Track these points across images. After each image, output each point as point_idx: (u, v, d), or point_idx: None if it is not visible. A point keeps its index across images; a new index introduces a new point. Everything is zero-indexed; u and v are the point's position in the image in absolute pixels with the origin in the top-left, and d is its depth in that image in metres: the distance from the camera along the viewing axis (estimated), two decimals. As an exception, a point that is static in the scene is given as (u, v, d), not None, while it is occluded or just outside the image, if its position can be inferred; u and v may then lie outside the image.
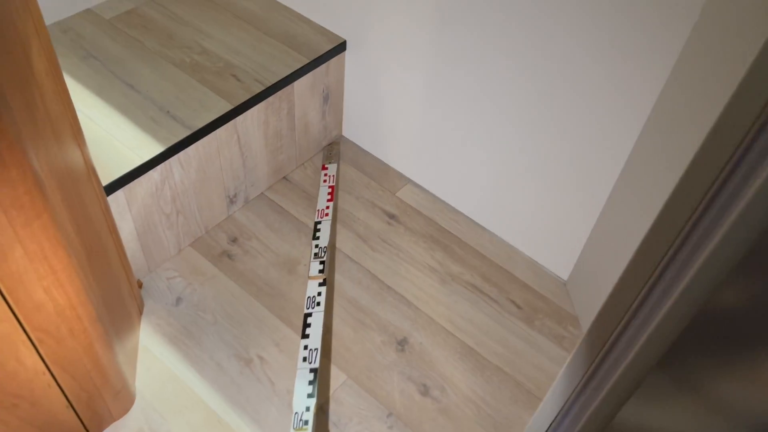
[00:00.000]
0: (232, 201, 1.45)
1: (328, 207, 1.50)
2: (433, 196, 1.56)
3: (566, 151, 1.22)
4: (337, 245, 1.44)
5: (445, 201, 1.55)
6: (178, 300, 1.32)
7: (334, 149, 1.65)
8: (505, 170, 1.36)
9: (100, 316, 0.97)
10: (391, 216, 1.51)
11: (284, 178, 1.57)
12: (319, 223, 1.46)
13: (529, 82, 1.19)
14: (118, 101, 1.27)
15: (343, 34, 1.47)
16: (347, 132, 1.67)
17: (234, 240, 1.43)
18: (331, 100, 1.56)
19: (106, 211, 1.07)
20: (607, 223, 1.23)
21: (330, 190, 1.54)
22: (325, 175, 1.58)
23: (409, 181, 1.59)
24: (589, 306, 1.31)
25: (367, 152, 1.65)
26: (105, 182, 1.13)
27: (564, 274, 1.41)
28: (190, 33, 1.43)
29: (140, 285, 1.33)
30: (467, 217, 1.52)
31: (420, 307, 1.35)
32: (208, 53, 1.39)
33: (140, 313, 1.28)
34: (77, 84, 1.29)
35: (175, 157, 1.23)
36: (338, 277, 1.38)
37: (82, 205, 0.93)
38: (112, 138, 1.20)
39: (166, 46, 1.40)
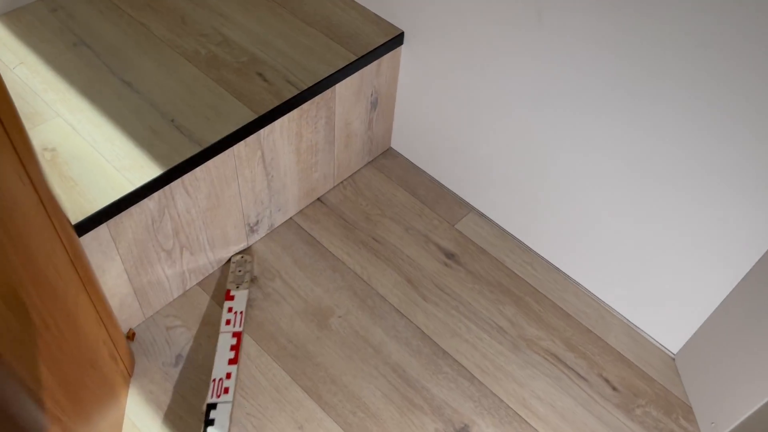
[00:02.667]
0: (252, 230, 1.16)
1: (229, 375, 0.97)
2: (502, 230, 1.25)
3: (706, 206, 0.90)
4: (380, 292, 1.14)
5: (516, 237, 1.24)
6: (178, 358, 1.04)
7: (245, 263, 1.13)
8: (602, 206, 1.04)
9: (53, 414, 0.69)
10: (450, 255, 1.21)
11: (318, 199, 1.27)
12: (213, 407, 0.94)
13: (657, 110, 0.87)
14: (110, 104, 0.98)
15: (400, 23, 1.15)
16: (397, 145, 1.36)
17: (253, 279, 1.14)
18: (381, 106, 1.25)
19: (76, 256, 0.79)
20: (745, 295, 0.90)
21: (235, 340, 1.02)
22: (230, 310, 1.06)
23: (471, 209, 1.28)
24: (706, 392, 1.00)
25: (421, 170, 1.34)
26: (83, 215, 0.85)
27: (673, 347, 1.09)
28: (208, 16, 1.14)
29: (132, 336, 1.05)
30: (545, 261, 1.21)
31: (485, 383, 1.05)
32: (229, 44, 1.10)
33: (129, 375, 1.00)
34: (62, 80, 1.01)
35: (179, 180, 0.94)
36: (380, 334, 1.09)
37: (21, 250, 0.65)
38: (98, 154, 0.92)
39: (177, 32, 1.11)
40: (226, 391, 0.96)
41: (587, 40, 0.89)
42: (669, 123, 0.87)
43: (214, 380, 0.97)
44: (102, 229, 0.88)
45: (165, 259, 1.02)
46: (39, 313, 0.68)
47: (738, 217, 0.88)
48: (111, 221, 0.89)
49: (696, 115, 0.84)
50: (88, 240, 0.87)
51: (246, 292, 1.09)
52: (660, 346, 1.11)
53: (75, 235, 0.78)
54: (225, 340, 1.02)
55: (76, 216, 0.84)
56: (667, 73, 0.83)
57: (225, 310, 1.06)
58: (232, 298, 1.08)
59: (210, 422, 0.92)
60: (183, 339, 1.06)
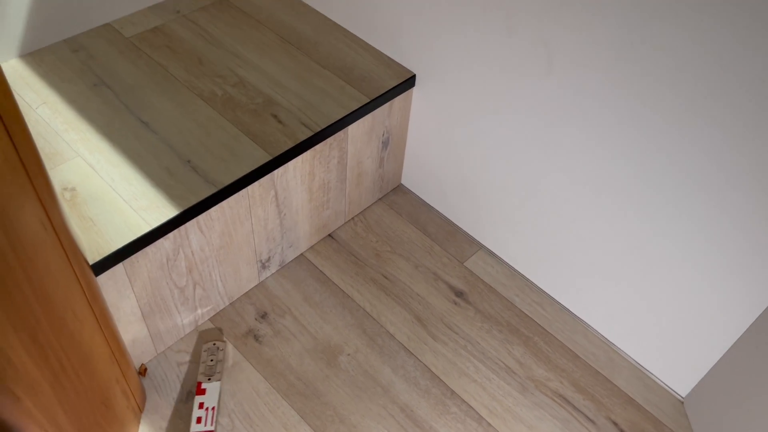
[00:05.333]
0: (264, 266, 1.18)
1: None
2: (511, 269, 1.26)
3: (719, 245, 0.91)
4: (389, 330, 1.15)
5: (526, 276, 1.24)
6: (189, 395, 1.05)
7: (217, 351, 1.06)
8: (612, 248, 1.05)
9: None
10: (459, 293, 1.21)
11: (329, 236, 1.29)
12: None
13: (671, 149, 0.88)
14: (128, 145, 1.01)
15: (412, 66, 1.18)
16: (407, 181, 1.38)
17: (263, 315, 1.15)
18: (392, 145, 1.27)
19: (93, 297, 0.80)
20: (756, 339, 0.91)
21: None
22: (200, 406, 0.97)
23: (481, 247, 1.29)
24: (719, 441, 0.99)
25: (431, 207, 1.35)
26: (100, 255, 0.86)
27: (682, 390, 1.09)
28: (225, 58, 1.17)
29: (143, 371, 1.06)
30: (555, 301, 1.21)
31: (493, 424, 1.05)
32: (244, 85, 1.12)
33: (140, 411, 1.01)
34: (82, 120, 1.03)
35: (194, 220, 0.96)
36: (388, 373, 1.09)
37: (42, 298, 0.67)
38: (116, 194, 0.94)
39: (194, 73, 1.13)
40: None
41: (596, 87, 0.91)
42: (679, 169, 0.89)
43: None
44: (118, 269, 0.90)
45: (178, 296, 1.04)
46: (56, 356, 0.70)
47: (748, 259, 0.88)
48: (127, 260, 0.90)
49: (708, 161, 0.85)
50: (104, 279, 0.89)
51: (218, 384, 1.02)
52: (669, 389, 1.11)
53: (93, 277, 0.80)
54: None
55: (93, 256, 0.86)
56: (674, 120, 0.85)
57: (195, 405, 0.99)
58: (203, 391, 1.01)
59: None
60: (194, 375, 1.07)
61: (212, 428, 0.97)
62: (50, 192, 0.67)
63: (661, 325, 1.05)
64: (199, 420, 0.98)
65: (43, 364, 0.65)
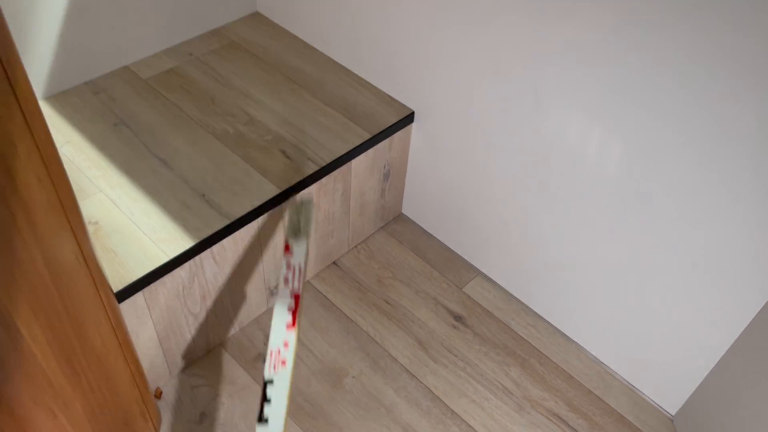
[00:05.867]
0: (272, 293, 1.24)
1: (287, 344, 0.84)
2: (508, 293, 1.32)
3: (704, 254, 0.97)
4: (392, 353, 1.21)
5: (521, 301, 1.31)
6: (202, 416, 1.10)
7: (302, 208, 0.98)
8: (601, 272, 1.11)
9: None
10: (458, 317, 1.28)
11: (334, 263, 1.35)
12: (271, 383, 0.80)
13: (659, 175, 0.95)
14: (147, 180, 1.08)
15: (410, 103, 1.26)
16: (408, 210, 1.45)
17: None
18: (392, 177, 1.35)
19: (117, 324, 0.87)
20: (741, 355, 0.97)
21: (293, 300, 0.87)
22: (288, 267, 0.91)
23: (478, 273, 1.36)
24: (706, 457, 1.04)
25: (431, 235, 1.42)
26: (122, 284, 0.93)
27: (671, 408, 1.15)
28: (236, 97, 1.25)
29: (159, 395, 1.12)
30: (549, 324, 1.27)
31: (491, 442, 1.10)
32: (254, 123, 1.20)
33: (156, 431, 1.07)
34: (103, 158, 1.11)
35: (209, 251, 1.03)
36: (391, 395, 1.15)
37: (71, 319, 0.73)
38: (136, 227, 1.01)
39: (207, 112, 1.21)
40: (284, 363, 0.82)
41: (579, 123, 0.98)
42: (665, 200, 0.95)
43: (271, 352, 0.83)
44: (138, 297, 0.97)
45: (192, 322, 1.10)
46: (86, 377, 0.76)
47: (731, 278, 0.95)
48: (146, 289, 0.97)
49: (686, 197, 0.92)
50: (125, 307, 0.95)
51: (305, 244, 0.92)
52: (659, 408, 1.16)
53: (117, 305, 0.87)
54: (282, 303, 0.86)
55: (116, 285, 0.93)
56: (662, 146, 0.92)
57: (283, 266, 0.91)
58: (289, 250, 0.92)
59: (267, 400, 0.79)
60: (207, 397, 1.13)
61: (299, 289, 0.89)
62: (83, 227, 0.74)
63: (650, 346, 1.11)
64: (286, 281, 0.90)
65: (76, 385, 0.71)
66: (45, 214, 0.64)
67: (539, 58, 0.98)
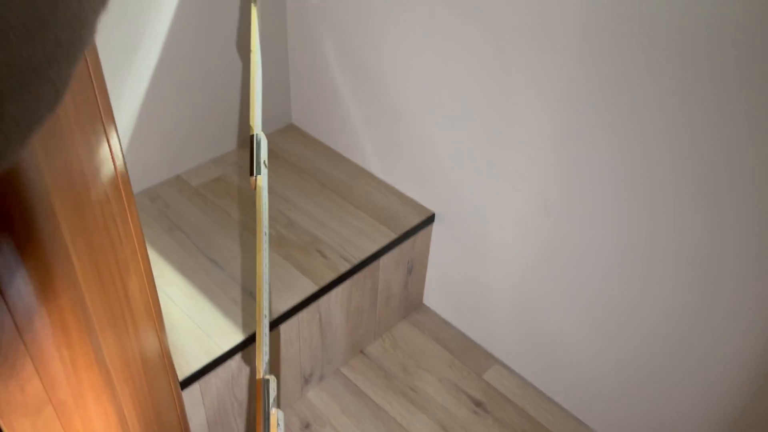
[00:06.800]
0: (306, 381, 1.34)
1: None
2: (523, 380, 1.42)
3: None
4: (419, 437, 1.30)
5: (537, 387, 1.40)
6: (244, 499, 1.18)
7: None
8: (611, 361, 1.22)
9: None
10: (478, 403, 1.37)
11: (361, 352, 1.46)
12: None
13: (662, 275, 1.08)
14: (200, 279, 1.21)
15: (431, 206, 1.41)
16: (429, 301, 1.57)
17: (307, 426, 1.31)
18: (415, 270, 1.48)
19: (180, 409, 0.98)
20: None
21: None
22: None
23: (496, 361, 1.46)
24: None
25: (451, 325, 1.53)
26: (182, 376, 1.04)
27: (682, 491, 1.22)
28: (277, 202, 1.40)
29: (204, 479, 1.20)
30: (563, 409, 1.36)
31: None
32: (293, 225, 1.35)
33: None
34: (160, 258, 1.25)
35: (255, 343, 1.15)
36: (420, 479, 1.23)
37: (153, 406, 0.84)
38: (192, 323, 1.13)
39: (252, 216, 1.36)
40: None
41: (587, 228, 1.12)
42: (664, 290, 1.08)
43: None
44: (194, 386, 1.08)
45: (237, 409, 1.20)
46: (159, 461, 0.86)
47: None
48: (202, 379, 1.08)
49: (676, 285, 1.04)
50: (184, 395, 1.06)
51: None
52: (671, 490, 1.23)
53: (181, 394, 0.98)
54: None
55: (179, 376, 1.04)
56: (664, 245, 1.05)
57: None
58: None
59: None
60: (247, 481, 1.21)
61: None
62: (163, 327, 0.87)
63: (660, 425, 1.20)
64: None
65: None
66: (141, 317, 0.77)
67: (547, 172, 1.13)
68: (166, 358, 0.88)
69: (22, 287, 0.52)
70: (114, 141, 0.68)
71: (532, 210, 1.19)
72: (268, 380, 0.93)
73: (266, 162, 1.03)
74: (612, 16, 0.92)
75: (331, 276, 1.24)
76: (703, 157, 0.92)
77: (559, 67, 1.02)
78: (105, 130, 0.66)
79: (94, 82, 0.61)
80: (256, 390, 0.90)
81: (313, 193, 1.44)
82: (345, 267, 1.26)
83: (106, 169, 0.67)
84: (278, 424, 0.92)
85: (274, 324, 1.16)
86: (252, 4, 1.20)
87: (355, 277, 1.29)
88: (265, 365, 0.95)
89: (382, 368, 1.43)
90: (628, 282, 1.11)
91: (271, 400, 0.93)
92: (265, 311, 0.98)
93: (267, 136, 1.59)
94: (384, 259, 1.34)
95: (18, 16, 0.28)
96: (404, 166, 1.41)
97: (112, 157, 0.68)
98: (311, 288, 1.21)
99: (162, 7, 1.24)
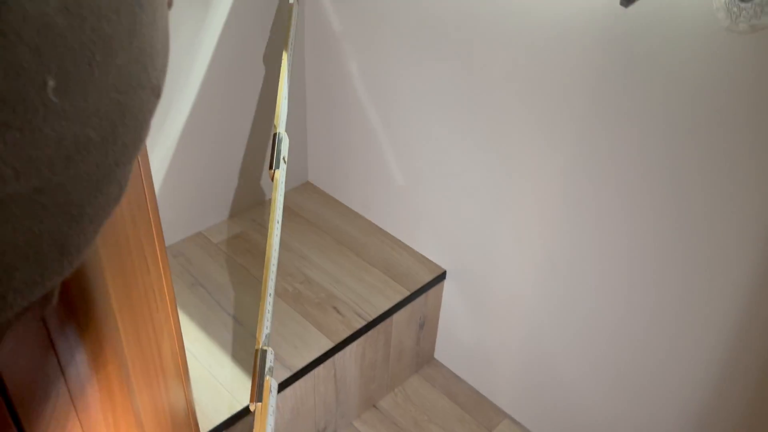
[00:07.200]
0: (321, 435, 1.38)
1: None
2: (534, 435, 1.44)
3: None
4: (431, 493, 1.32)
5: (546, 443, 1.42)
6: None
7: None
8: (617, 419, 1.24)
9: None
10: (489, 459, 1.39)
11: (374, 406, 1.49)
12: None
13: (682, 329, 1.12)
14: (221, 335, 1.26)
15: (443, 263, 1.46)
16: (440, 355, 1.61)
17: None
18: (427, 326, 1.52)
19: (202, 465, 1.01)
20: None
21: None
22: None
23: (506, 416, 1.49)
24: None
25: (461, 379, 1.57)
26: (204, 431, 1.08)
27: None
28: (294, 259, 1.46)
29: None
30: (573, 466, 1.38)
31: None
32: (310, 282, 1.40)
33: None
34: (183, 314, 1.30)
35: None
36: None
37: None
38: (213, 378, 1.18)
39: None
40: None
41: (594, 286, 1.17)
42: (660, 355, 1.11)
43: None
44: (214, 441, 1.11)
45: (253, 464, 1.23)
46: None
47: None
48: (222, 434, 1.12)
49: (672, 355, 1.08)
50: (203, 450, 1.10)
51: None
52: None
53: (203, 449, 1.02)
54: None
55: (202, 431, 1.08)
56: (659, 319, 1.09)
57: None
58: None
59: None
60: None
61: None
62: (190, 386, 0.92)
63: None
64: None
65: None
66: (172, 377, 0.82)
67: (555, 233, 1.18)
68: (191, 416, 0.93)
69: (79, 360, 0.57)
70: (155, 215, 0.74)
71: (541, 268, 1.24)
72: (266, 351, 0.97)
73: (285, 158, 1.12)
74: (612, 92, 0.99)
75: (346, 333, 1.29)
76: (703, 217, 0.97)
77: (566, 134, 1.09)
78: (149, 207, 0.73)
79: (140, 163, 0.67)
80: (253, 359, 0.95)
81: (328, 249, 1.49)
82: (360, 324, 1.31)
83: (149, 242, 0.73)
84: (271, 391, 0.95)
85: (291, 380, 1.20)
86: (284, 51, 1.28)
87: (370, 333, 1.34)
88: (264, 338, 0.99)
89: (394, 422, 1.46)
90: (636, 338, 1.15)
91: (267, 369, 0.97)
92: (271, 290, 1.03)
93: (285, 194, 1.65)
94: (397, 316, 1.39)
95: (98, 131, 0.33)
96: (417, 224, 1.47)
97: (154, 231, 0.74)
98: (327, 344, 1.26)
99: (190, 77, 1.33)
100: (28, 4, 0.30)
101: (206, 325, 1.28)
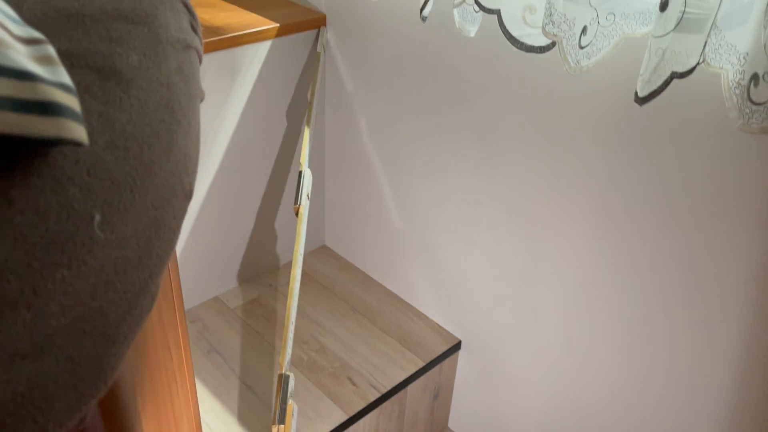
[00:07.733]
0: (332, 508, 1.35)
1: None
2: None
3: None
4: None
5: None
6: None
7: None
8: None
9: None
10: None
11: (386, 477, 1.47)
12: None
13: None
14: (235, 405, 1.26)
15: (458, 332, 1.46)
16: (454, 425, 1.59)
17: None
18: (441, 396, 1.51)
19: None
20: None
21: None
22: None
23: (521, 491, 1.46)
24: None
25: (475, 451, 1.55)
26: (215, 507, 1.08)
27: None
28: (308, 326, 1.46)
29: None
30: None
31: None
32: (325, 351, 1.40)
33: None
34: (199, 382, 1.30)
35: (286, 473, 1.18)
36: None
37: None
38: (227, 451, 1.17)
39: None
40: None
41: (609, 366, 1.16)
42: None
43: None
44: None
45: None
46: None
47: None
48: None
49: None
50: None
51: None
52: None
53: None
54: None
55: (211, 508, 1.07)
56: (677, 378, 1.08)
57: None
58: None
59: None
60: None
61: None
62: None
63: None
64: None
65: None
66: (182, 415, 0.82)
67: (571, 312, 1.19)
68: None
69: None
70: (179, 303, 0.76)
71: (556, 345, 1.24)
72: (288, 376, 1.02)
73: (309, 194, 1.22)
74: (629, 183, 1.01)
75: (360, 405, 1.28)
76: (717, 300, 0.97)
77: (582, 218, 1.10)
78: (173, 295, 0.75)
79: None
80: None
81: (343, 316, 1.50)
82: (374, 395, 1.30)
83: (172, 329, 0.75)
84: (293, 414, 0.98)
85: (305, 454, 1.19)
86: (309, 97, 1.34)
87: (384, 405, 1.33)
88: (287, 364, 1.04)
89: (406, 495, 1.44)
90: (649, 416, 1.13)
91: (289, 393, 1.00)
92: (293, 318, 1.08)
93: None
94: (411, 387, 1.38)
95: (135, 251, 0.33)
96: (432, 292, 1.47)
97: (178, 320, 0.75)
98: (341, 417, 1.25)
99: (213, 148, 1.37)
100: (80, 148, 0.31)
101: (221, 394, 1.28)
